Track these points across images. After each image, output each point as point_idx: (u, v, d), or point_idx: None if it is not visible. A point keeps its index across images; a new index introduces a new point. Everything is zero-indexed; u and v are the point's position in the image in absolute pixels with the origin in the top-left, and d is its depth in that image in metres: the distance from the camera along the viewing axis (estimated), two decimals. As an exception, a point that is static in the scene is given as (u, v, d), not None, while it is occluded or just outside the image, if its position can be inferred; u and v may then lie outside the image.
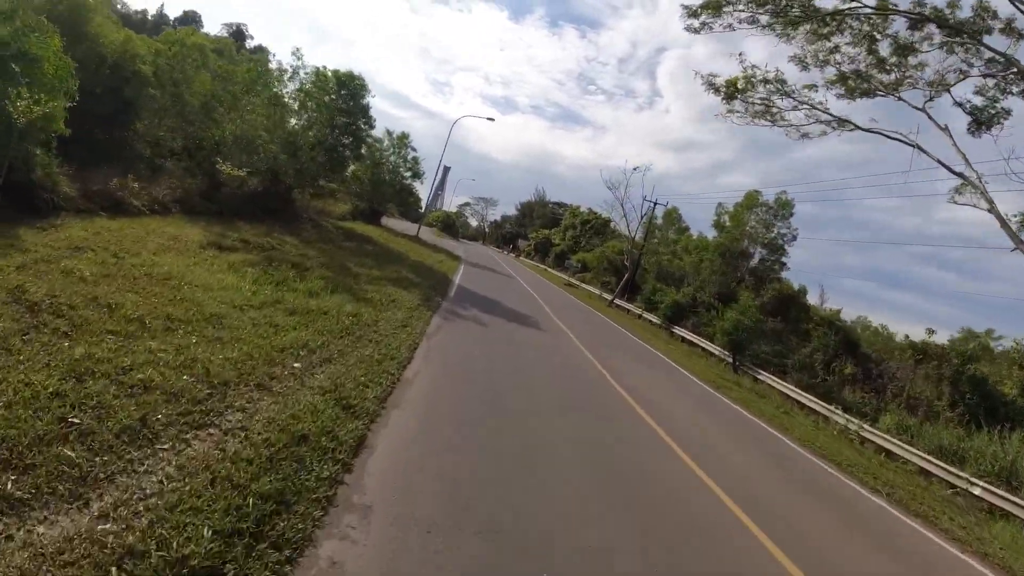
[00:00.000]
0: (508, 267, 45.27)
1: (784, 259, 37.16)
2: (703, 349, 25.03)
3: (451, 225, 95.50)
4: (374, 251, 21.03)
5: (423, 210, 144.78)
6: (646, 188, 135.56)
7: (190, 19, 75.81)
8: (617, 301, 34.98)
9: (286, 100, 23.09)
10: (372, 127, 26.47)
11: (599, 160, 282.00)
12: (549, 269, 62.61)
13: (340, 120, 24.86)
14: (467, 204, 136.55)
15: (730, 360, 22.47)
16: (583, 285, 45.12)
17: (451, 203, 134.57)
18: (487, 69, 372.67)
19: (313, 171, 25.15)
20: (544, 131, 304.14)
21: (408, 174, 42.56)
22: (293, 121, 24.23)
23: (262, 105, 22.20)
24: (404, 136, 42.44)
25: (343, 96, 25.47)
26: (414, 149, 42.68)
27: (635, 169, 35.27)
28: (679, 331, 27.84)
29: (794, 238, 37.29)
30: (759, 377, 21.39)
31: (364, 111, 26.34)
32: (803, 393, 19.90)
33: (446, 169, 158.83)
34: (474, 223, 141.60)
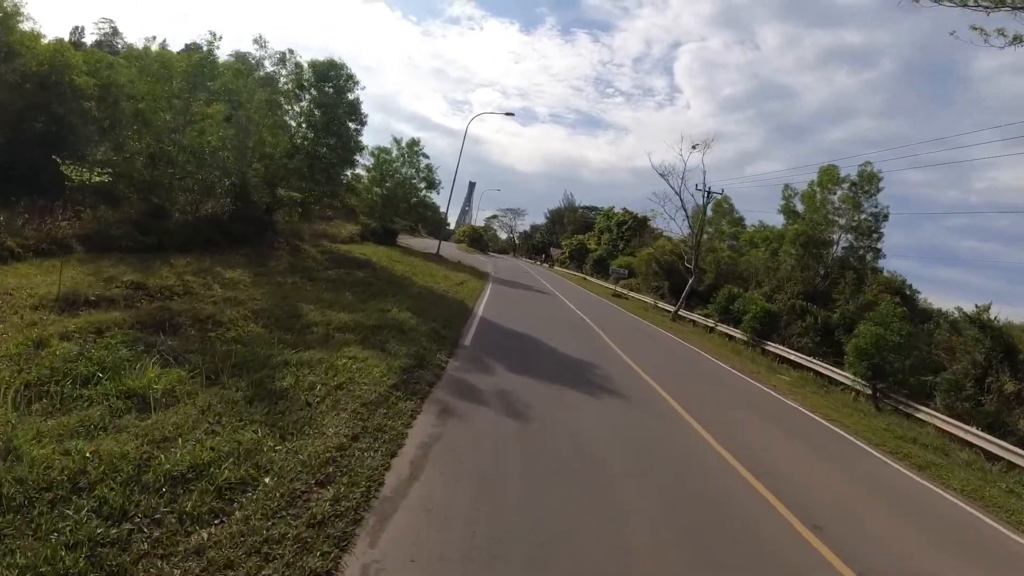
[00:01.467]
0: (543, 279, 39.57)
1: (878, 244, 30.40)
2: (816, 373, 18.74)
3: (479, 239, 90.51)
4: (365, 280, 15.64)
5: (448, 224, 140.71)
6: (693, 173, 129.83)
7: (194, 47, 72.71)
8: (681, 311, 28.73)
9: (247, 100, 18.01)
10: (362, 124, 21.25)
11: (622, 162, 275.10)
12: (589, 278, 56.59)
13: (319, 118, 19.72)
14: (494, 217, 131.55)
15: (863, 388, 16.22)
16: (632, 294, 38.98)
17: (478, 218, 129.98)
18: (504, 83, 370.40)
19: (294, 185, 20.05)
20: (566, 139, 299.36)
21: (423, 185, 37.40)
22: (286, 121, 19.26)
23: (219, 108, 17.20)
24: (415, 143, 37.46)
25: (325, 92, 20.35)
26: (426, 156, 37.60)
27: (694, 148, 28.08)
28: (775, 349, 21.57)
29: (886, 217, 30.49)
30: (908, 411, 15.14)
31: (352, 108, 21.17)
32: (964, 427, 13.71)
33: (471, 184, 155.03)
34: (503, 235, 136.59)
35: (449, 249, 61.13)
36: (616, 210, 79.91)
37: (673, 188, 30.15)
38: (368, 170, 36.54)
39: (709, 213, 37.80)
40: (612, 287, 46.41)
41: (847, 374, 17.04)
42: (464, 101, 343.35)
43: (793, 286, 29.39)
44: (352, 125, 20.86)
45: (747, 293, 30.36)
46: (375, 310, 11.36)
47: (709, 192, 31.60)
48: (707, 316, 28.02)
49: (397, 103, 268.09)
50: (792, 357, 20.28)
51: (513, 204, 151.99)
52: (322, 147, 19.76)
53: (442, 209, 39.00)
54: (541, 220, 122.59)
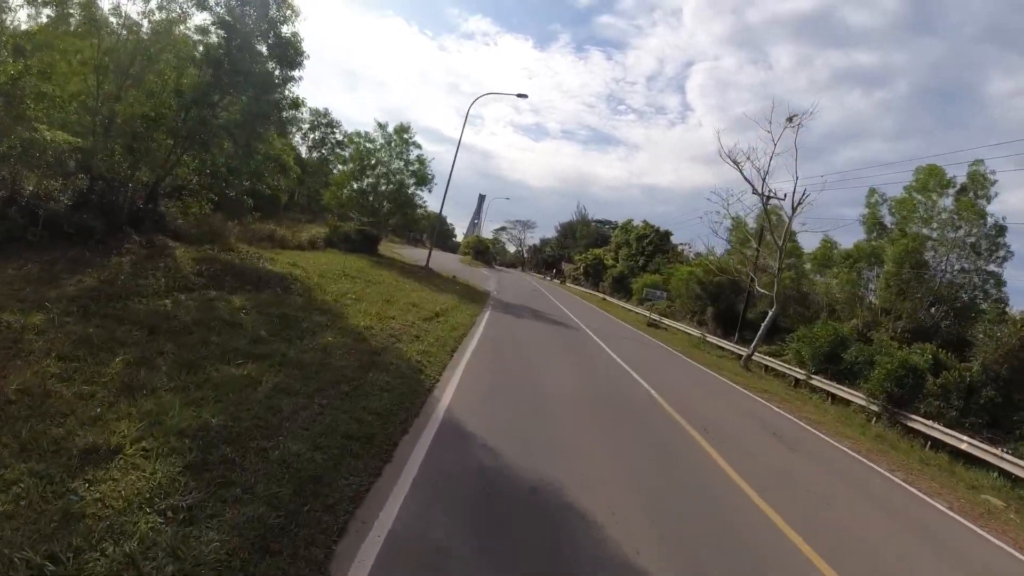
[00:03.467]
0: (557, 300, 32.15)
1: (996, 266, 22.68)
2: (1009, 476, 11.14)
3: (484, 251, 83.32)
4: (229, 316, 8.24)
5: (455, 236, 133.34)
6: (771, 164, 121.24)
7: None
8: (756, 355, 20.93)
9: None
10: (294, 67, 13.93)
11: (633, 179, 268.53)
12: (608, 298, 49.02)
13: (218, 48, 12.49)
14: (503, 229, 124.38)
15: None
16: (667, 322, 31.39)
17: (488, 231, 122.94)
18: (516, 99, 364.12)
19: (163, 156, 12.88)
20: (577, 155, 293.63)
21: (412, 181, 30.20)
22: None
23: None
24: (404, 129, 30.30)
25: (234, 8, 13.11)
26: (418, 146, 30.42)
27: (789, 121, 20.29)
28: (924, 427, 13.99)
29: (1002, 231, 22.72)
30: None
31: (283, 44, 13.92)
32: None
33: (481, 197, 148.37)
34: (512, 249, 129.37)
35: (449, 262, 53.91)
36: (635, 223, 72.62)
37: (749, 181, 21.98)
38: (344, 161, 29.53)
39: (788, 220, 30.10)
40: (637, 310, 38.90)
41: None
42: (476, 115, 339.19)
43: (893, 323, 21.81)
44: (274, 66, 13.52)
45: (900, 348, 22.84)
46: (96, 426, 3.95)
47: (803, 197, 21.75)
48: (781, 358, 20.49)
49: (409, 116, 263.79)
50: (959, 444, 12.62)
51: (523, 219, 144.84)
52: (221, 95, 12.52)
53: (430, 207, 31.51)
54: (551, 234, 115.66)
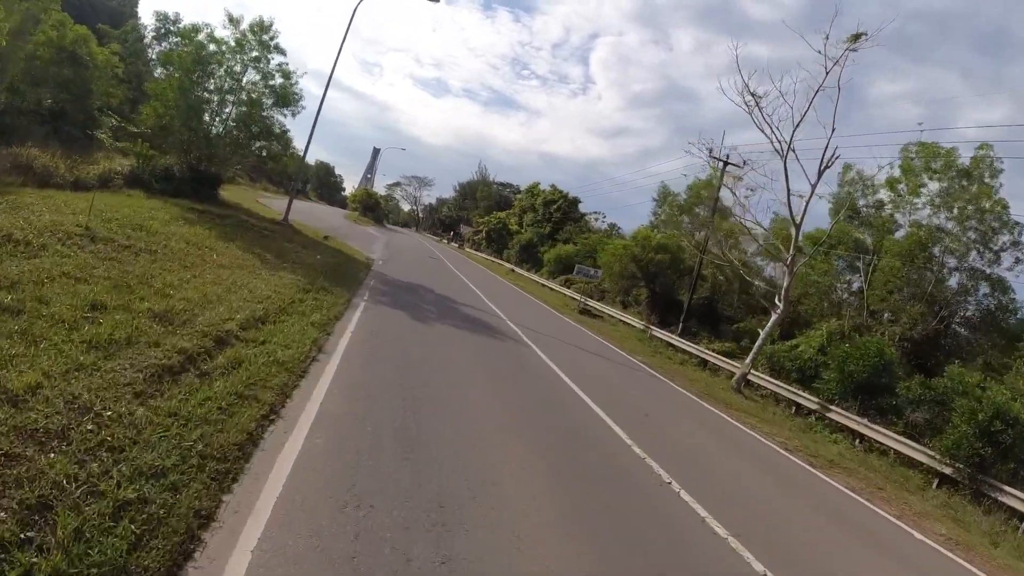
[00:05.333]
0: (463, 275, 25.39)
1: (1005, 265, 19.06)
2: None
3: (374, 207, 73.89)
4: None
5: (343, 190, 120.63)
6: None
7: None
8: (752, 374, 15.22)
9: None
10: None
11: (533, 145, 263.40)
12: (517, 269, 42.96)
13: None
14: (397, 184, 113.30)
15: None
16: (599, 307, 25.76)
17: (381, 187, 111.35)
18: (419, 50, 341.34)
19: None
20: (478, 115, 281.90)
21: (269, 101, 21.64)
22: None
23: None
24: (264, 27, 21.48)
25: None
26: (282, 51, 21.89)
27: (855, 40, 13.98)
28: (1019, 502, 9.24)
29: (1011, 226, 19.11)
30: None
31: None
32: None
33: (375, 151, 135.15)
34: (406, 207, 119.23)
35: (329, 217, 44.81)
36: (543, 187, 66.94)
37: (770, 126, 14.79)
38: (165, 63, 20.30)
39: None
40: (550, 285, 33.21)
41: None
42: (375, 63, 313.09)
43: (889, 326, 17.58)
44: None
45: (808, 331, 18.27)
46: None
47: (832, 156, 14.76)
48: (772, 377, 15.50)
49: (303, 58, 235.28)
50: None
51: (419, 174, 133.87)
52: None
53: (294, 145, 22.63)
54: (449, 194, 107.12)
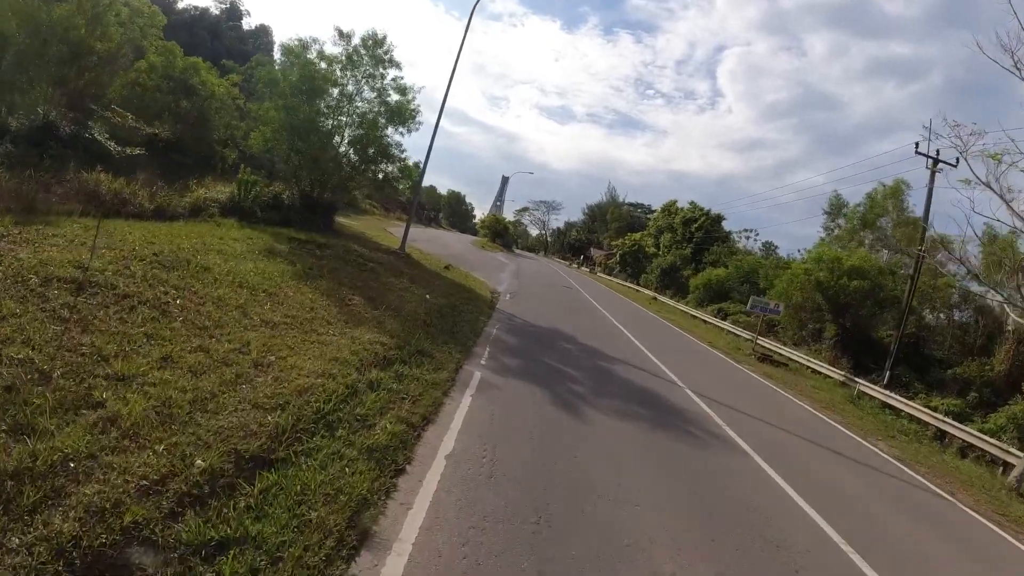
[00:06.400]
0: (604, 308, 21.21)
1: None
2: None
3: (503, 232, 72.02)
4: None
5: (474, 218, 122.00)
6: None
7: None
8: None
9: None
10: None
11: (660, 164, 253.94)
12: (659, 297, 37.75)
13: None
14: (525, 209, 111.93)
15: None
16: (776, 347, 20.18)
17: (510, 213, 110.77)
18: (543, 80, 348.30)
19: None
20: (603, 139, 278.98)
21: (383, 120, 19.37)
22: None
23: None
24: (378, 42, 19.41)
25: None
26: (397, 65, 19.64)
27: None
28: None
29: None
30: None
31: None
32: None
33: (504, 179, 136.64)
34: (534, 232, 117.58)
35: (456, 244, 42.91)
36: (681, 204, 60.75)
37: None
38: (267, 82, 18.68)
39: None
40: (705, 318, 27.80)
41: None
42: (502, 97, 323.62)
43: None
44: None
45: None
46: None
47: None
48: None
49: (435, 97, 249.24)
50: None
51: (547, 199, 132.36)
52: None
53: (411, 160, 19.83)
54: (577, 217, 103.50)
